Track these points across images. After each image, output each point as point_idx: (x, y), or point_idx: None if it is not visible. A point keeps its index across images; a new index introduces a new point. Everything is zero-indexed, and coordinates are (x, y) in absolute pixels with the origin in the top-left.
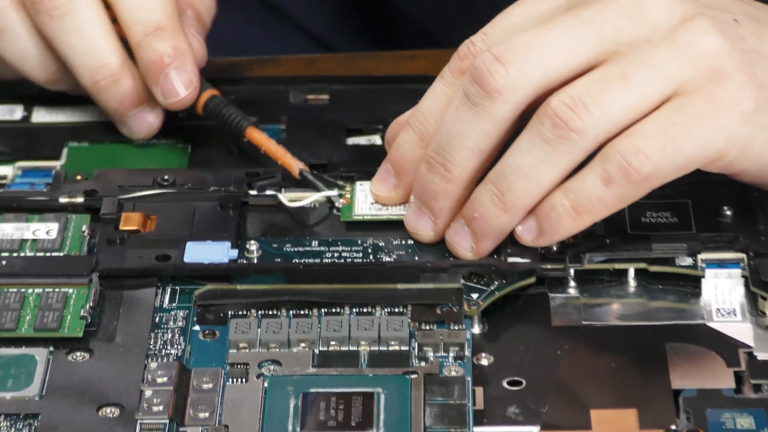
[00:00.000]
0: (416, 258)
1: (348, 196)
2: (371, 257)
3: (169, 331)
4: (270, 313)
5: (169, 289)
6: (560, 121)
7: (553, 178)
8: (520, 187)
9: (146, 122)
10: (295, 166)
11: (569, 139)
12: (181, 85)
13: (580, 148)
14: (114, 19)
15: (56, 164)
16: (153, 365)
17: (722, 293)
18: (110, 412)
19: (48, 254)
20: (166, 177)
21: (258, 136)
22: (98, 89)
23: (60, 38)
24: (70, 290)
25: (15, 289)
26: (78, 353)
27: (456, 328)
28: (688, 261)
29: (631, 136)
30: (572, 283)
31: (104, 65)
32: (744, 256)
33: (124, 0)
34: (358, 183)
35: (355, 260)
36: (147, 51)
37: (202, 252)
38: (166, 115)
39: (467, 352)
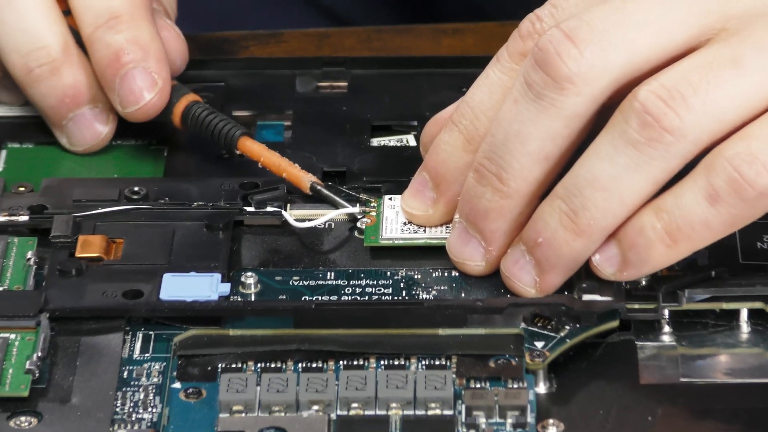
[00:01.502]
0: (462, 295)
1: (373, 214)
2: (404, 294)
3: (141, 390)
4: (272, 366)
5: (140, 335)
6: (651, 118)
7: (641, 192)
8: (598, 204)
9: (91, 129)
10: (306, 179)
11: (662, 142)
12: (143, 88)
13: (676, 154)
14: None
15: None
16: None
17: None
18: None
19: None
20: (136, 189)
21: (255, 148)
22: (32, 80)
23: None
24: (12, 336)
25: None
26: (23, 418)
27: (515, 386)
28: None
29: (744, 140)
30: (666, 328)
31: (41, 48)
32: None
33: None
34: (386, 197)
35: (384, 298)
36: (99, 46)
37: (184, 287)
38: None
39: (530, 418)
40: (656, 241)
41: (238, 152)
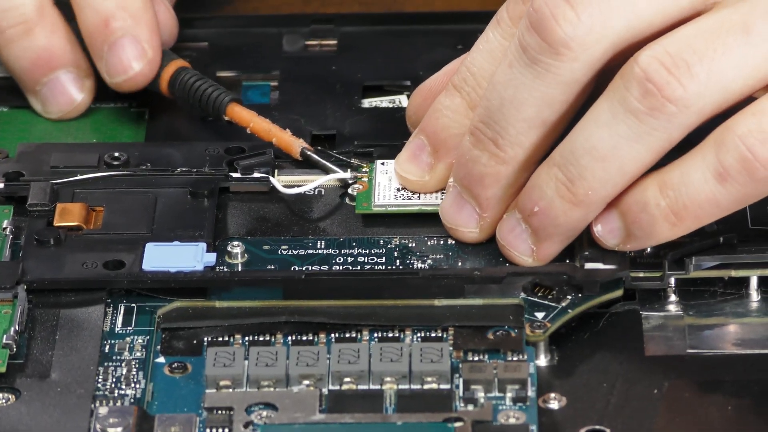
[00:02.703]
0: (459, 264)
1: (365, 179)
2: (398, 263)
3: (123, 365)
4: (261, 339)
5: (122, 308)
6: (653, 86)
7: (641, 162)
8: (597, 173)
9: (66, 95)
10: (296, 144)
11: (664, 112)
12: (133, 58)
13: (678, 125)
14: None
15: None
16: (103, 411)
17: None
18: None
19: None
20: (116, 154)
21: (244, 115)
22: (4, 40)
23: None
24: None
25: None
26: (0, 395)
27: (515, 359)
28: None
29: (756, 115)
30: (673, 297)
31: (14, 8)
32: None
33: None
34: (378, 162)
35: (376, 267)
36: (87, 11)
37: (168, 257)
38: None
39: (531, 392)
40: (660, 218)
41: (226, 118)
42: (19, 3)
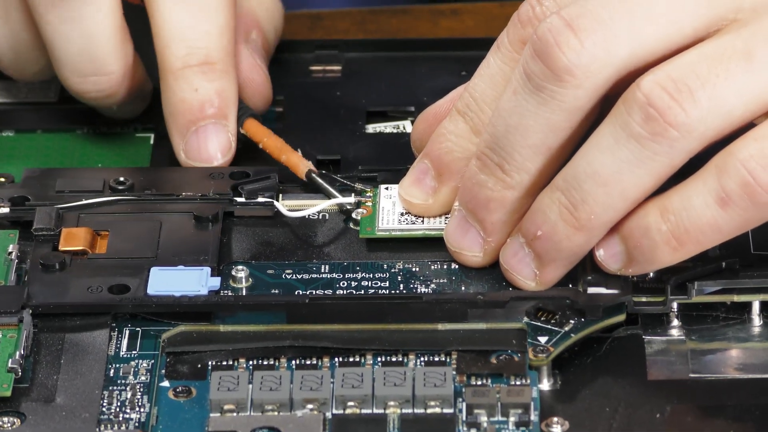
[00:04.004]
0: (462, 288)
1: (369, 204)
2: (401, 287)
3: (128, 389)
4: (265, 363)
5: (127, 332)
6: (655, 111)
7: (644, 187)
8: (599, 198)
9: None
10: (303, 166)
11: (666, 137)
12: (217, 148)
13: (680, 150)
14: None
15: None
16: None
17: None
18: None
19: None
20: (121, 179)
21: (259, 131)
22: (84, 98)
23: (54, 26)
24: None
25: None
26: (5, 419)
27: (518, 383)
28: None
29: (759, 140)
30: (675, 322)
31: (102, 76)
32: None
33: (167, 8)
34: (382, 186)
35: (380, 291)
36: (183, 88)
37: (172, 281)
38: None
39: (533, 417)
40: (662, 243)
41: (242, 131)
42: (108, 71)
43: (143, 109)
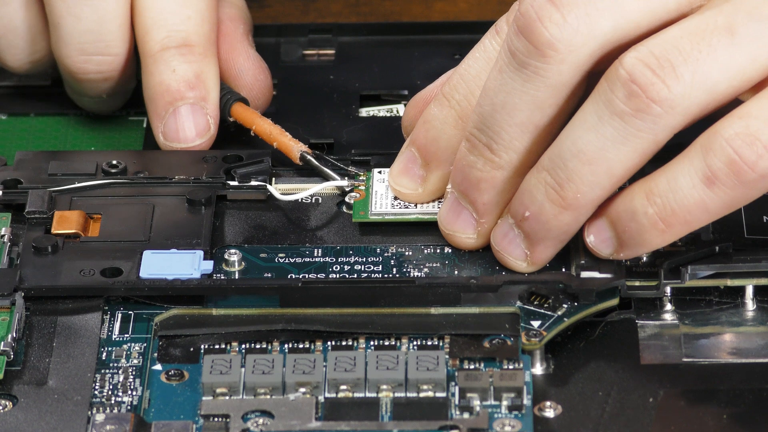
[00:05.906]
0: (455, 272)
1: (362, 188)
2: (394, 271)
3: (120, 372)
4: (257, 347)
5: (119, 315)
6: (638, 87)
7: (629, 164)
8: (584, 176)
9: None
10: (296, 148)
11: (650, 114)
12: (193, 129)
13: (664, 126)
14: None
15: None
16: (99, 418)
17: None
18: None
19: None
20: (114, 162)
21: (248, 115)
22: (82, 78)
23: (67, 2)
24: None
25: None
26: None
27: (511, 367)
28: None
29: (744, 119)
30: (668, 306)
31: (107, 56)
32: None
33: None
34: (375, 170)
35: (373, 275)
36: (162, 70)
37: (165, 264)
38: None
39: (526, 401)
40: (649, 226)
41: (231, 119)
42: (113, 53)
43: (122, 104)
